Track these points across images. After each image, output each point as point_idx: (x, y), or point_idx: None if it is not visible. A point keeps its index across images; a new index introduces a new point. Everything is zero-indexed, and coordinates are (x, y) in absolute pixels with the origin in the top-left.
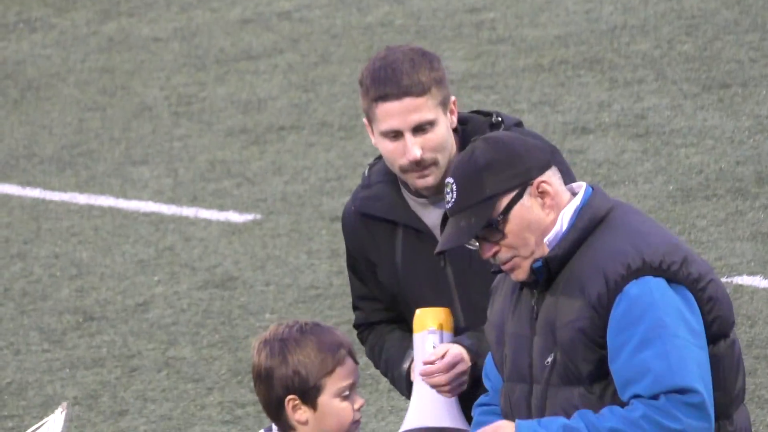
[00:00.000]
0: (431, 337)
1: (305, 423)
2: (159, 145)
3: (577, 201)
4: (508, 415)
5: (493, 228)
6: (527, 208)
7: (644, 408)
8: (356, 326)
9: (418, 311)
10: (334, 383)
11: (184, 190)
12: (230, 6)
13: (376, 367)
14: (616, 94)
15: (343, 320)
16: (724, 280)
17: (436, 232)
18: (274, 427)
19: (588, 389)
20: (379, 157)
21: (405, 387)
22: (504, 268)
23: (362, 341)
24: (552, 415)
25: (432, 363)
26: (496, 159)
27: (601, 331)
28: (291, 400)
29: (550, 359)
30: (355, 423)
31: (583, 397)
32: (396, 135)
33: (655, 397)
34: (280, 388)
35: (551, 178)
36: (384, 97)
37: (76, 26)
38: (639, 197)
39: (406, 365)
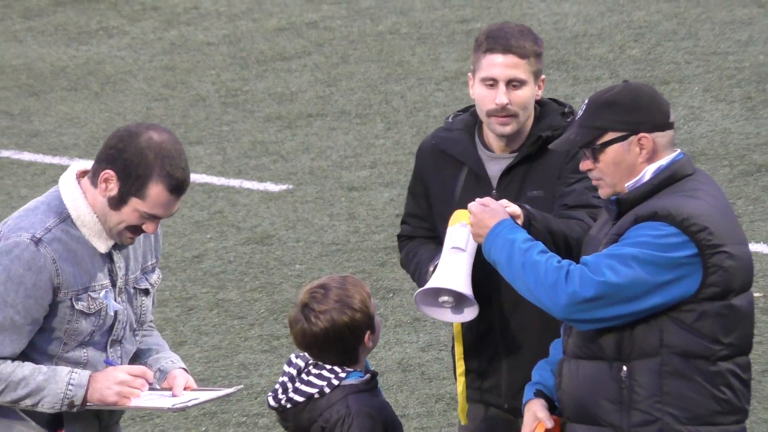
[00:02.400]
0: (463, 230)
1: (371, 346)
2: (211, 129)
3: (662, 162)
4: None
5: (591, 151)
6: (625, 151)
7: (566, 266)
8: (399, 237)
9: (456, 211)
10: (373, 304)
11: (230, 165)
12: (268, 17)
13: (406, 268)
14: (578, 89)
15: (358, 270)
16: None
17: (494, 181)
18: (308, 356)
19: None
20: (463, 110)
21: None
22: (594, 183)
23: (400, 249)
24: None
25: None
26: (620, 102)
27: None
28: (368, 335)
29: None
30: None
31: None
32: (492, 84)
33: (581, 264)
34: (360, 332)
35: (658, 138)
36: (492, 49)
37: (145, 33)
38: None
39: (432, 266)
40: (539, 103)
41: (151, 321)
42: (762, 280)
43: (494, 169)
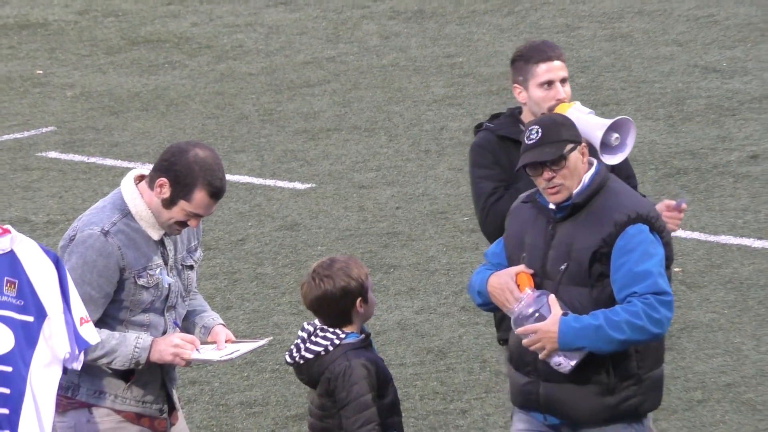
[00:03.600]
0: (576, 105)
1: (363, 313)
2: (251, 140)
3: (592, 170)
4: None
5: (561, 159)
6: (578, 158)
7: (641, 305)
8: (492, 202)
9: (558, 107)
10: (369, 281)
11: (267, 168)
12: (297, 53)
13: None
14: None
15: (366, 250)
16: None
17: None
18: (317, 322)
19: (590, 290)
20: (491, 118)
21: None
22: (551, 190)
23: (497, 209)
24: (561, 304)
25: None
26: (566, 122)
27: (606, 256)
28: (360, 301)
29: (563, 267)
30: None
31: (584, 294)
32: (549, 86)
33: (645, 296)
34: (352, 296)
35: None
36: (545, 59)
37: (201, 65)
38: None
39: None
40: None
41: (195, 288)
42: (680, 258)
43: None
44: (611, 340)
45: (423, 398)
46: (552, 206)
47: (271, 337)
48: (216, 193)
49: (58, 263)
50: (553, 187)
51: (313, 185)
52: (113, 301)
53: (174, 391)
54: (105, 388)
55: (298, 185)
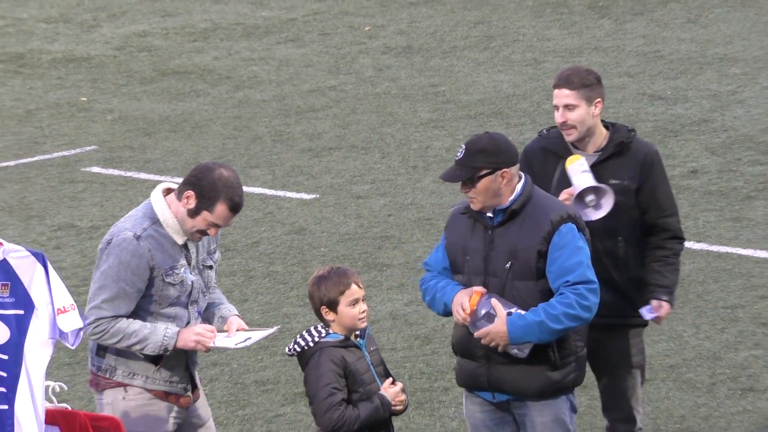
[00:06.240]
0: (581, 159)
1: (335, 320)
2: (265, 158)
3: (522, 181)
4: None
5: (470, 182)
6: (492, 181)
7: (572, 295)
8: None
9: (569, 158)
10: (348, 294)
11: (278, 181)
12: (303, 83)
13: None
14: (510, 131)
15: (363, 252)
16: None
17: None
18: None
19: (535, 282)
20: (553, 126)
21: None
22: (468, 198)
23: None
24: (509, 299)
25: None
26: (487, 148)
27: (545, 252)
28: (325, 310)
29: (508, 265)
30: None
31: (530, 286)
32: (557, 107)
33: (575, 286)
34: (315, 303)
35: (512, 170)
36: (555, 86)
37: (221, 93)
38: None
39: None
40: (612, 124)
41: (215, 284)
42: None
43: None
44: (553, 331)
45: (411, 378)
46: (490, 214)
47: (280, 326)
48: (235, 207)
49: (44, 261)
50: (470, 198)
51: (317, 196)
52: (145, 296)
53: (196, 373)
54: (138, 370)
55: (305, 196)
